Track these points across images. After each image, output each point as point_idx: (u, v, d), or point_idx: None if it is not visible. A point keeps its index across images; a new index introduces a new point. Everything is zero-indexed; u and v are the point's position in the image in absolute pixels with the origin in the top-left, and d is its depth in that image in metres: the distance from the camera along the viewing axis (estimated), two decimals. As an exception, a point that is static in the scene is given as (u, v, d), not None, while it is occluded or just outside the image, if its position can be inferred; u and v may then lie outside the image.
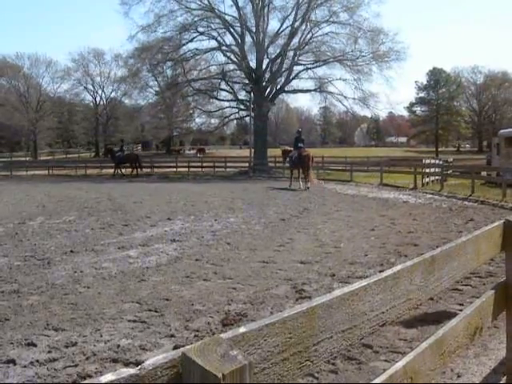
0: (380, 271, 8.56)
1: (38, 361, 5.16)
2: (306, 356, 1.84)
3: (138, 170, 41.34)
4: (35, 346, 5.55)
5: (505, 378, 4.47)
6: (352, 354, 5.21)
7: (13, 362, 5.14)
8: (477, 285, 7.79)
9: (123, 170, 41.45)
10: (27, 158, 71.46)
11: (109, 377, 1.29)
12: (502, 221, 4.14)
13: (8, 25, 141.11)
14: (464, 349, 3.89)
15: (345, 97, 47.13)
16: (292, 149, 29.86)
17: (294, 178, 28.59)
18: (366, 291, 2.17)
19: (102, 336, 5.83)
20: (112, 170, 41.45)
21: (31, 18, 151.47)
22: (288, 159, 29.79)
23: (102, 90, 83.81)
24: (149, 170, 43.63)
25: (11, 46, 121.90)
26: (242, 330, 1.57)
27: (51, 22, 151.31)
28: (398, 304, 2.48)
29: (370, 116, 67.33)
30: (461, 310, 6.30)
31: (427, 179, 30.23)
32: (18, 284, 8.13)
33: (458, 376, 4.72)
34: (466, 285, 7.76)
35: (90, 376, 4.77)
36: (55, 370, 4.96)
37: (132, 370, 1.32)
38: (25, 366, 5.05)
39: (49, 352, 5.38)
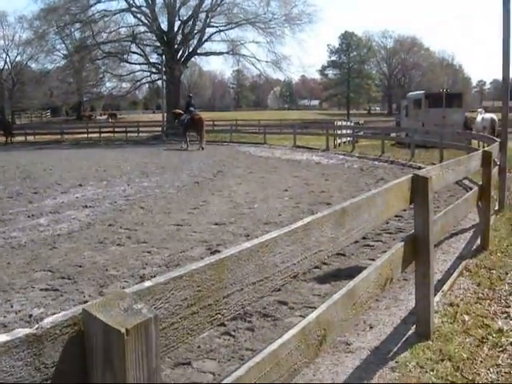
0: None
1: None
2: (217, 309, 1.81)
3: (11, 138, 40.06)
4: None
5: (414, 326, 4.64)
6: (267, 311, 5.27)
7: None
8: (387, 240, 8.01)
9: None
10: None
11: (3, 338, 1.21)
12: (410, 175, 4.24)
13: None
14: (375, 300, 3.99)
15: (258, 60, 47.15)
16: (180, 111, 32.23)
17: (184, 141, 30.42)
18: (277, 243, 2.16)
19: (12, 306, 5.63)
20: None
21: None
22: (179, 122, 31.33)
23: (7, 54, 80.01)
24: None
25: None
26: (147, 283, 1.52)
27: None
28: (310, 255, 2.48)
29: (282, 79, 67.83)
30: (372, 265, 6.51)
31: (339, 141, 30.77)
32: None
33: (371, 327, 4.85)
34: (376, 241, 7.98)
35: (1, 347, 4.60)
36: (-37, 342, 4.75)
37: (28, 330, 1.25)
38: None
39: (-44, 324, 5.17)
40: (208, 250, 7.60)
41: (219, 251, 7.42)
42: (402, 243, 4.10)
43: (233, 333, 4.81)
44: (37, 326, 1.27)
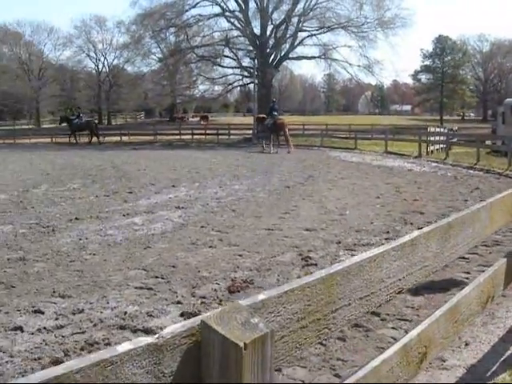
0: (386, 239, 8.55)
1: (45, 328, 5.16)
2: (325, 324, 1.80)
3: (96, 138, 41.53)
4: (42, 313, 5.55)
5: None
6: (359, 322, 5.19)
7: (20, 328, 5.14)
8: (483, 253, 7.77)
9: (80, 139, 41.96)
10: (30, 126, 71.23)
11: (126, 346, 1.24)
12: (514, 188, 4.08)
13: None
14: (475, 317, 3.86)
15: (349, 64, 46.80)
16: (265, 116, 32.62)
17: (267, 144, 31.17)
18: (384, 258, 2.12)
19: (108, 303, 5.82)
20: (74, 139, 41.52)
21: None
22: (263, 126, 32.19)
23: (105, 57, 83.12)
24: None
25: (12, 12, 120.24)
26: (261, 296, 1.52)
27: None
28: (415, 271, 2.43)
29: (374, 83, 66.97)
30: (467, 279, 6.30)
31: (432, 147, 30.05)
32: (23, 251, 8.12)
33: (466, 344, 4.70)
34: (472, 253, 7.72)
35: (98, 343, 4.76)
36: (63, 336, 4.95)
37: (150, 339, 1.27)
38: (32, 333, 5.05)
39: (56, 319, 5.38)
40: (299, 256, 7.59)
41: (310, 257, 7.43)
42: (505, 260, 3.94)
43: (324, 342, 4.77)
44: (157, 335, 1.30)
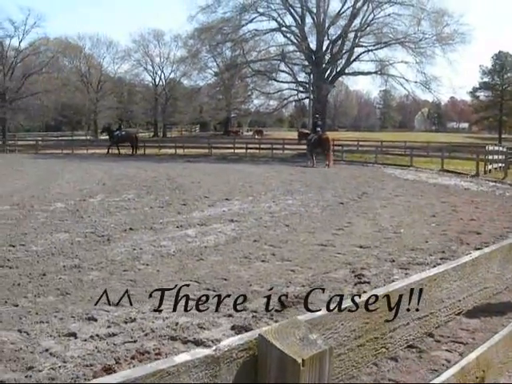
0: (441, 258, 8.39)
1: (97, 335, 5.24)
2: (382, 343, 1.76)
3: (136, 150, 42.57)
4: (95, 320, 5.64)
5: None
6: (412, 342, 5.07)
7: (74, 335, 5.24)
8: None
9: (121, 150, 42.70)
10: (88, 137, 72.87)
11: (183, 357, 1.24)
12: None
13: (70, 6, 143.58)
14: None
15: (406, 80, 46.20)
16: (308, 132, 34.40)
17: (309, 156, 32.41)
18: (444, 277, 2.08)
19: (160, 313, 5.86)
20: (115, 150, 42.41)
21: (92, 1, 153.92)
22: (306, 141, 33.31)
23: (162, 71, 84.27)
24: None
25: (73, 26, 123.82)
26: (319, 313, 1.50)
27: (112, 3, 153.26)
28: (475, 292, 2.37)
29: (431, 100, 66.03)
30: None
31: (490, 166, 29.41)
32: (78, 259, 8.28)
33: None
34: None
35: (149, 352, 4.81)
36: (114, 344, 5.02)
37: (207, 351, 1.27)
38: (85, 340, 5.13)
39: (108, 327, 5.46)
40: (352, 273, 7.51)
41: (363, 275, 7.34)
42: None
43: (376, 361, 4.68)
44: (214, 347, 1.29)
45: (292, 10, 45.55)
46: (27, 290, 6.68)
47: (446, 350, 5.00)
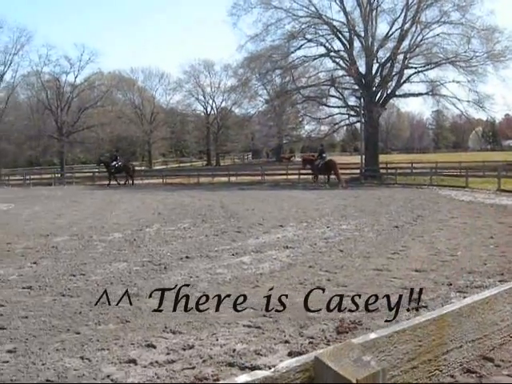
0: (500, 281, 8.23)
1: (157, 362, 5.34)
2: (436, 365, 1.79)
3: (132, 180, 44.12)
4: (154, 347, 5.75)
5: None
6: (471, 366, 5.00)
7: (134, 361, 5.36)
8: None
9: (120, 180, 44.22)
10: (142, 168, 74.23)
11: (244, 378, 1.31)
12: None
13: (122, 42, 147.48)
14: None
15: (458, 99, 45.51)
16: (311, 157, 40.35)
17: (320, 181, 37.77)
18: (497, 300, 2.09)
19: (217, 340, 5.94)
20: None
21: (143, 35, 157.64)
22: (313, 167, 38.09)
23: (213, 100, 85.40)
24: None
25: (126, 61, 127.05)
26: (372, 335, 1.55)
27: (162, 37, 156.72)
28: (530, 314, 2.36)
29: (485, 119, 64.98)
30: None
31: (549, 185, 28.68)
32: (137, 288, 8.46)
33: None
34: None
35: (207, 379, 4.87)
36: (173, 371, 5.11)
37: (266, 372, 1.34)
38: (145, 367, 5.24)
39: (167, 354, 5.55)
40: (408, 298, 7.44)
41: (420, 299, 7.26)
42: None
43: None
44: (273, 369, 1.36)
45: (340, 35, 45.65)
46: (88, 318, 6.87)
47: (508, 375, 4.89)
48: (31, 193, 36.88)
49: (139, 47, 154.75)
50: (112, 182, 43.22)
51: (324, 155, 37.81)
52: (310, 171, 39.65)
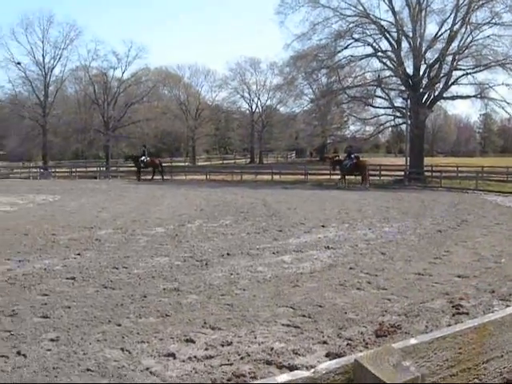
0: (545, 290, 8.08)
1: (195, 356, 5.41)
2: (475, 374, 1.78)
3: (162, 174, 44.52)
4: (193, 342, 5.82)
5: None
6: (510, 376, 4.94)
7: (173, 355, 5.44)
8: None
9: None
10: (186, 163, 74.84)
11: (285, 377, 1.33)
12: None
13: (169, 37, 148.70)
14: None
15: (508, 103, 44.61)
16: (338, 157, 41.59)
17: (342, 180, 38.19)
18: (540, 310, 2.07)
19: (256, 338, 5.98)
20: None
21: (191, 32, 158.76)
22: (340, 167, 38.51)
23: (258, 98, 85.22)
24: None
25: (173, 57, 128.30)
26: (412, 341, 1.56)
27: (210, 35, 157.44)
28: None
29: (535, 124, 63.55)
30: None
31: None
32: (178, 283, 8.56)
33: None
34: None
35: (244, 376, 4.91)
36: (211, 366, 5.16)
37: (306, 373, 1.36)
38: (183, 361, 5.32)
39: (206, 349, 5.62)
40: (449, 304, 7.36)
41: (461, 306, 7.18)
42: None
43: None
44: (313, 370, 1.38)
45: (388, 35, 45.19)
46: (129, 310, 6.99)
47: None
48: (77, 185, 37.54)
49: (186, 44, 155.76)
50: (147, 177, 43.91)
51: (352, 156, 38.44)
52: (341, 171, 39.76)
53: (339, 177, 39.24)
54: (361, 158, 39.80)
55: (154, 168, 44.46)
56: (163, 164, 47.09)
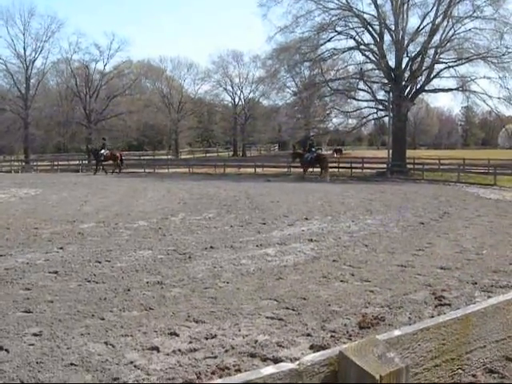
0: (526, 281, 8.16)
1: (179, 350, 5.41)
2: (458, 364, 1.80)
3: (120, 168, 44.29)
4: (177, 335, 5.82)
5: None
6: (494, 367, 4.97)
7: (157, 349, 5.44)
8: None
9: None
10: (169, 157, 74.64)
11: (269, 369, 1.34)
12: None
13: (152, 31, 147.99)
14: None
15: (489, 96, 44.87)
16: (300, 151, 41.30)
17: (306, 173, 39.09)
18: (523, 300, 2.09)
19: (240, 330, 6.00)
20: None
21: (173, 25, 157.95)
22: (301, 160, 39.19)
23: (241, 91, 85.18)
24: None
25: (155, 50, 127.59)
26: (396, 332, 1.57)
27: (192, 28, 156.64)
28: (556, 316, 2.35)
29: (515, 116, 64.03)
30: None
31: None
32: (161, 276, 8.55)
33: None
34: None
35: (229, 368, 4.93)
36: (196, 359, 5.17)
37: (291, 365, 1.36)
38: (167, 354, 5.32)
39: (190, 342, 5.62)
40: (432, 295, 7.42)
41: (444, 297, 7.24)
42: None
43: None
44: (298, 362, 1.38)
45: (370, 28, 45.26)
46: (113, 304, 6.97)
47: (531, 377, 4.86)
48: (58, 179, 37.27)
49: (168, 37, 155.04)
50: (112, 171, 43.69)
51: (313, 149, 39.38)
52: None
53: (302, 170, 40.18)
54: (321, 152, 41.83)
55: (114, 161, 44.12)
56: (123, 158, 46.48)
